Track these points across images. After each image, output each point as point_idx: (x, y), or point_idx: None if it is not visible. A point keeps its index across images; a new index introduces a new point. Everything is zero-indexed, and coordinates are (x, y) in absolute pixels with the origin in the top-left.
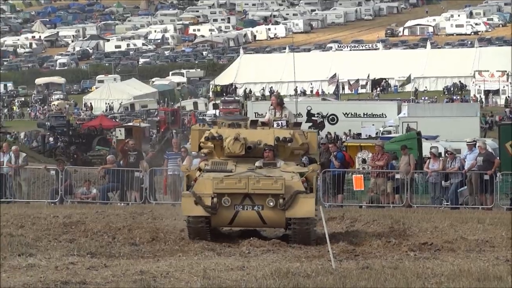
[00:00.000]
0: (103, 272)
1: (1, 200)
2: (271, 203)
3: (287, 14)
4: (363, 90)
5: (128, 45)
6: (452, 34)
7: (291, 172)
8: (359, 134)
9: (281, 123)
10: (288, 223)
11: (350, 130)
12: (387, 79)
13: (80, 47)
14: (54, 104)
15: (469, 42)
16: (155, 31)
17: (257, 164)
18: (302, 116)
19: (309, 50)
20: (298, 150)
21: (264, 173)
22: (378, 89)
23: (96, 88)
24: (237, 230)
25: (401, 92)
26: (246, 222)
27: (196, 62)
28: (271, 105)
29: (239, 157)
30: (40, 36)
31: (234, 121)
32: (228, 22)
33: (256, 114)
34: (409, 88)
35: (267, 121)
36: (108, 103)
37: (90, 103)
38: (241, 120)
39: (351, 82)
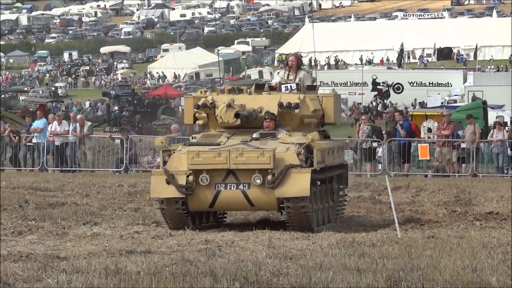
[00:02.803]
0: (168, 241)
1: (65, 169)
2: (258, 180)
3: None
4: (429, 59)
5: (193, 13)
6: None
7: (290, 143)
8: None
9: (290, 86)
10: (281, 204)
11: (415, 99)
12: (453, 48)
13: (145, 16)
14: (119, 73)
15: None
16: (220, 0)
17: (254, 135)
18: (368, 85)
19: (374, 19)
20: (310, 118)
21: (257, 145)
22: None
23: (161, 57)
24: None
25: (467, 60)
26: (229, 204)
27: (261, 31)
28: (286, 65)
29: (236, 129)
30: (105, 5)
31: (234, 86)
32: None
33: (322, 83)
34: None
35: (275, 85)
36: (174, 72)
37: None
38: (244, 85)
39: (416, 51)
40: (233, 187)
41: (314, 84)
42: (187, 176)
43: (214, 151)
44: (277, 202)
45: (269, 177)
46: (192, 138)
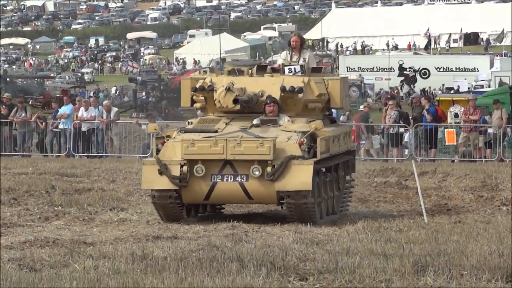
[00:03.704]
0: (195, 226)
1: (92, 155)
2: (257, 172)
3: None
4: (455, 44)
5: None
6: None
7: (293, 131)
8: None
9: (294, 68)
10: (281, 197)
11: (443, 85)
12: (480, 33)
13: (172, 2)
14: (145, 59)
15: None
16: None
17: (254, 121)
18: (394, 70)
19: (401, 4)
20: (314, 103)
21: (257, 133)
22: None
23: (188, 42)
24: None
25: (494, 46)
26: (226, 197)
27: (288, 16)
28: (289, 45)
29: (236, 113)
30: None
31: (235, 67)
32: None
33: (348, 68)
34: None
35: (278, 67)
36: (193, 58)
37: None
38: (246, 65)
39: (443, 36)
40: (230, 179)
41: (320, 66)
42: (181, 167)
43: (210, 140)
44: (277, 195)
45: (269, 168)
46: (189, 124)
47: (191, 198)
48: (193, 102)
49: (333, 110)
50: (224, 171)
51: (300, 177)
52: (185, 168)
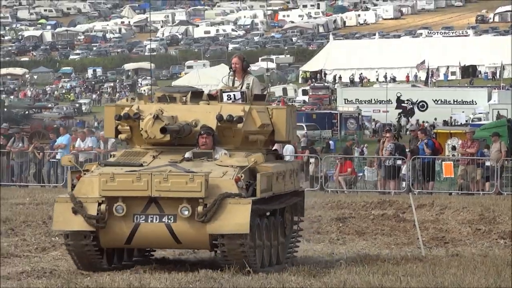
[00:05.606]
0: (191, 258)
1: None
2: (186, 212)
3: (377, 0)
4: (453, 77)
5: (217, 30)
6: None
7: (229, 166)
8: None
9: (234, 95)
10: (214, 242)
11: (436, 119)
12: (477, 66)
13: (169, 33)
14: (143, 90)
15: None
16: (244, 17)
17: (186, 155)
18: (392, 103)
19: (399, 36)
20: (256, 134)
21: (188, 167)
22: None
23: (185, 73)
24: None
25: (491, 79)
26: (151, 241)
27: (286, 48)
28: (230, 69)
29: (166, 146)
30: (129, 22)
31: (166, 93)
32: (318, 8)
33: (346, 100)
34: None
35: (215, 94)
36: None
37: None
38: (178, 92)
39: (441, 69)
40: (156, 220)
41: (265, 93)
42: (99, 205)
43: (132, 174)
44: (210, 239)
45: (200, 208)
46: (111, 156)
47: (110, 241)
48: (118, 132)
49: (331, 142)
50: (149, 211)
51: (236, 218)
52: (103, 206)
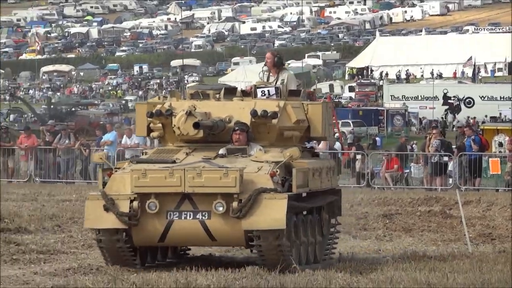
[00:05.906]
0: (239, 254)
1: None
2: (221, 208)
3: None
4: (500, 73)
5: (263, 27)
6: None
7: (264, 161)
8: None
9: (268, 90)
10: (250, 237)
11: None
12: None
13: (216, 29)
14: (189, 86)
15: None
16: (291, 13)
17: (220, 151)
18: (438, 99)
19: (445, 32)
20: (291, 130)
21: (222, 163)
22: None
23: (232, 70)
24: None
25: None
26: (185, 238)
27: (332, 44)
28: (265, 65)
29: (199, 143)
30: (175, 18)
31: (199, 90)
32: (364, 4)
33: (392, 96)
34: None
35: (249, 89)
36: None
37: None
38: (211, 89)
39: (488, 65)
40: (189, 216)
41: (300, 88)
42: (131, 202)
43: (165, 170)
44: (245, 235)
45: (235, 204)
46: (143, 154)
47: (143, 239)
48: (150, 130)
49: (377, 138)
50: (182, 207)
51: (272, 213)
52: (135, 203)
